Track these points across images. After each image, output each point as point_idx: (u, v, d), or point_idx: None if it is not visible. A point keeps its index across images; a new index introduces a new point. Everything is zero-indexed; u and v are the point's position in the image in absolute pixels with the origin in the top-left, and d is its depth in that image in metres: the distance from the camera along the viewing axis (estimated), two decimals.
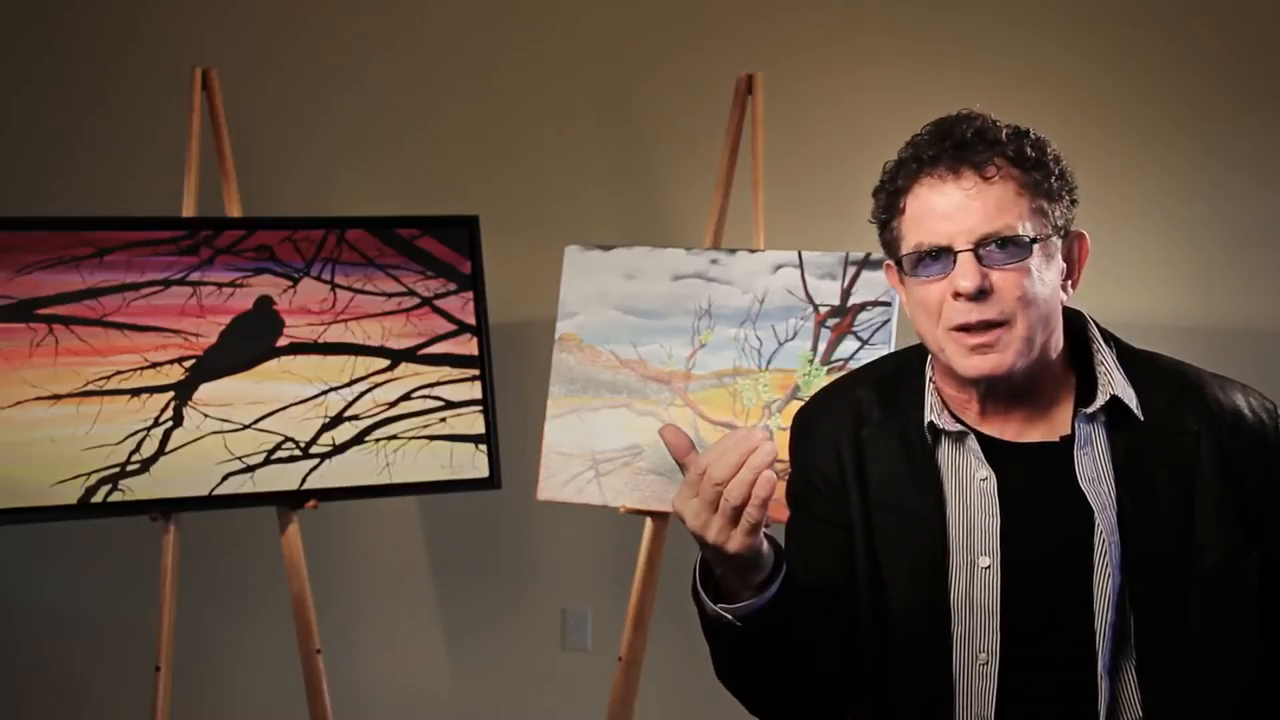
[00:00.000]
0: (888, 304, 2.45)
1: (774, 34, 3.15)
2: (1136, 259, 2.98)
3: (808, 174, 3.10)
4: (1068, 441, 1.42)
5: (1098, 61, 3.01)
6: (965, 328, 1.37)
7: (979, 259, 1.35)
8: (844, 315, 2.48)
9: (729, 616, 1.32)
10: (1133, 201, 2.98)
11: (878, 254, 2.45)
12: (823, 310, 2.50)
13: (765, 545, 1.29)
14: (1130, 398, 1.41)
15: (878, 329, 2.45)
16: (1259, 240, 2.98)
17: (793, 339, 2.51)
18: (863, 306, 2.47)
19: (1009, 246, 1.36)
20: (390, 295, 2.69)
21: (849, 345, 2.46)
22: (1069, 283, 1.43)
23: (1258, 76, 2.97)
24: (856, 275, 2.48)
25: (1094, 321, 1.49)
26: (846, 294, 2.49)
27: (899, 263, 1.43)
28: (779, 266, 2.55)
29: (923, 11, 3.09)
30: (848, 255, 2.50)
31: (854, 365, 2.41)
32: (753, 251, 2.60)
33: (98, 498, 2.52)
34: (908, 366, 1.52)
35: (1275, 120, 2.96)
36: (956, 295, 1.36)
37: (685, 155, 3.16)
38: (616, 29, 3.24)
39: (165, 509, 2.56)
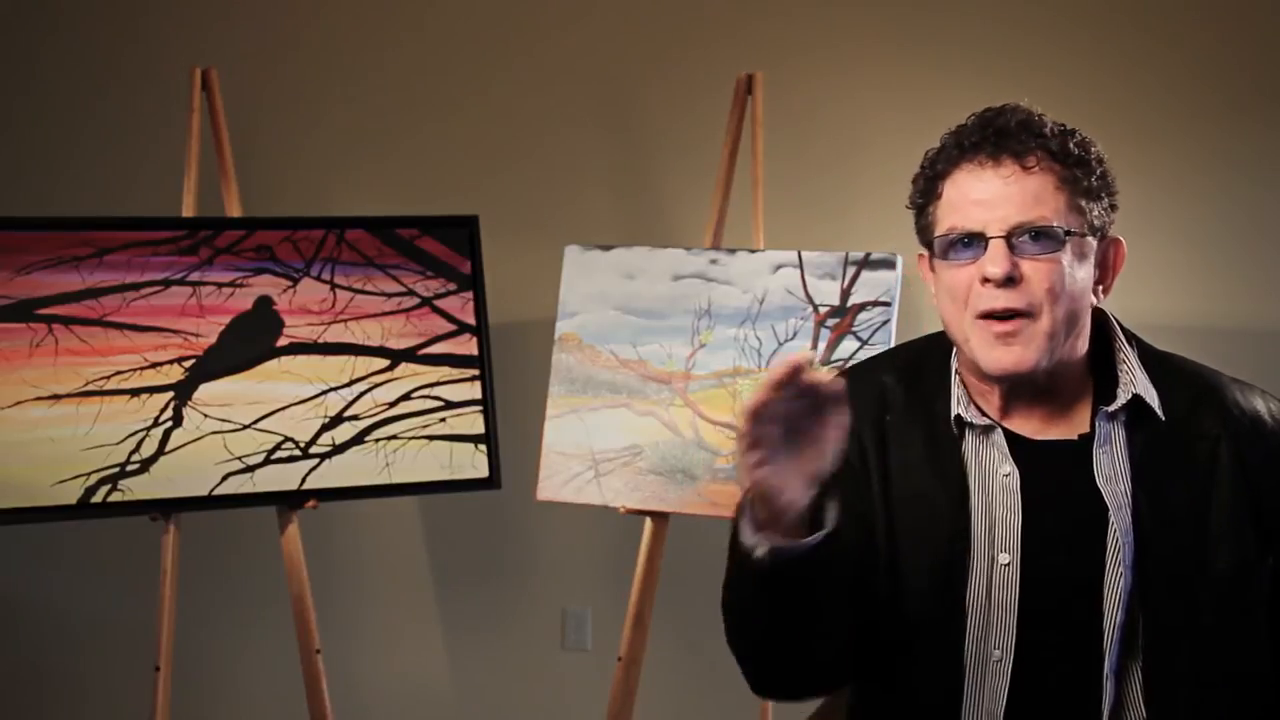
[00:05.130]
0: (887, 304, 2.45)
1: (774, 34, 3.15)
2: (1137, 259, 2.91)
3: (808, 174, 3.09)
4: (1086, 440, 1.41)
5: (1098, 62, 3.01)
6: (991, 314, 1.36)
7: (1011, 247, 1.35)
8: (844, 315, 2.48)
9: (761, 550, 1.29)
10: (1133, 202, 2.93)
11: (877, 254, 2.47)
12: (822, 310, 2.50)
13: (792, 512, 1.29)
14: (1152, 397, 1.41)
15: (877, 329, 2.45)
16: (1259, 241, 2.98)
17: (793, 339, 2.51)
18: (862, 306, 2.47)
19: (1042, 238, 1.35)
20: (390, 295, 2.69)
21: (849, 345, 2.46)
22: (1100, 287, 1.43)
23: (1258, 77, 2.96)
24: (856, 275, 2.48)
25: (1117, 321, 1.49)
26: (846, 294, 2.49)
27: (931, 246, 1.43)
28: (779, 266, 2.55)
29: (922, 12, 3.09)
30: (847, 255, 2.50)
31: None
32: (753, 251, 2.60)
33: (98, 498, 2.51)
34: (932, 355, 1.50)
35: (1276, 121, 2.96)
36: (985, 281, 1.36)
37: (685, 155, 3.16)
38: (616, 29, 3.24)
39: (165, 509, 2.56)
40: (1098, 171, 1.39)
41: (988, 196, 1.36)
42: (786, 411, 1.27)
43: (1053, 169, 1.36)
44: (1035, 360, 1.36)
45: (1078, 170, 1.38)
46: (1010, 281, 1.35)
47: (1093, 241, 1.40)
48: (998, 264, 1.35)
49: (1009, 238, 1.35)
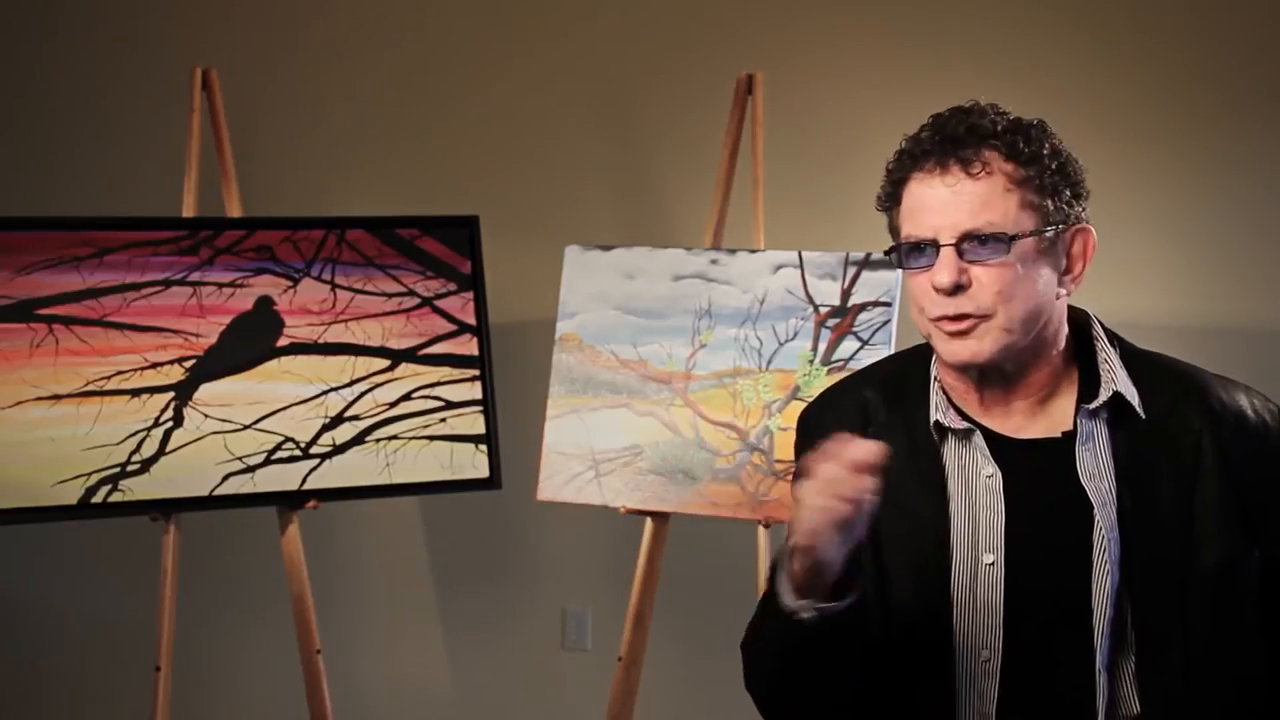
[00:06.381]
0: (888, 304, 2.45)
1: (774, 34, 3.15)
2: (1136, 259, 2.98)
3: (808, 174, 3.10)
4: (1069, 437, 1.42)
5: (1097, 62, 3.01)
6: (943, 319, 1.39)
7: (960, 254, 1.37)
8: (844, 315, 2.48)
9: (812, 612, 1.33)
10: (1132, 202, 2.98)
11: (878, 254, 2.47)
12: (823, 310, 2.50)
13: (832, 575, 1.33)
14: (1133, 395, 1.42)
15: (878, 329, 2.45)
16: (1259, 241, 2.98)
17: (793, 339, 2.51)
18: (863, 307, 2.47)
19: (990, 243, 1.36)
20: (390, 295, 2.69)
21: (849, 345, 2.46)
22: (1068, 277, 1.43)
23: (1257, 77, 2.96)
24: (857, 275, 2.49)
25: (1098, 320, 1.49)
26: (847, 294, 2.49)
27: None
28: (779, 266, 2.55)
29: (922, 12, 3.09)
30: (848, 255, 2.50)
31: (854, 365, 2.42)
32: (753, 251, 2.60)
33: (98, 498, 2.52)
34: (913, 366, 1.52)
35: (1275, 121, 2.96)
36: (936, 289, 1.38)
37: (685, 155, 3.16)
38: (617, 29, 3.24)
39: (165, 509, 2.56)
40: (1052, 166, 1.39)
41: (937, 205, 1.38)
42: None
43: (1004, 170, 1.37)
44: (990, 352, 1.38)
45: (1031, 169, 1.37)
46: (958, 289, 1.36)
47: (1054, 235, 1.39)
48: (945, 273, 1.36)
49: (958, 245, 1.37)
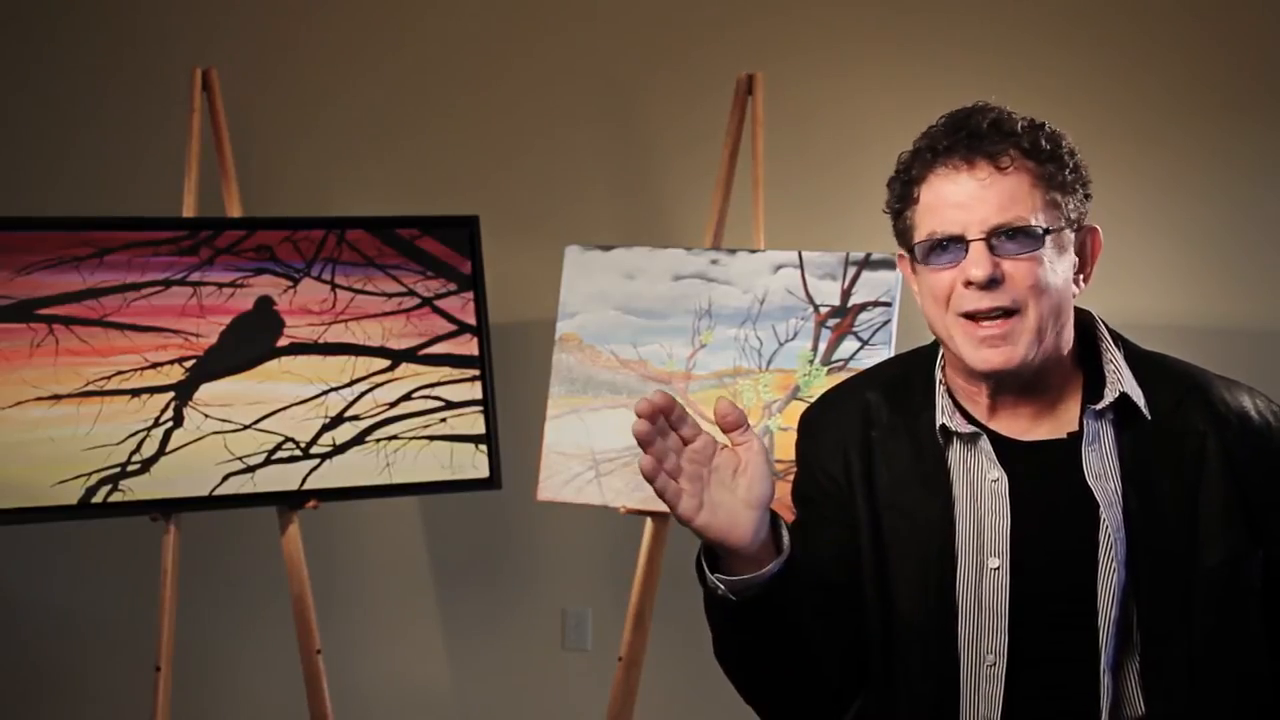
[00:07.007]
0: (888, 304, 2.45)
1: (774, 34, 3.15)
2: (1136, 259, 2.98)
3: (808, 174, 3.10)
4: (1075, 438, 1.42)
5: (1098, 62, 3.01)
6: (975, 315, 1.38)
7: (991, 248, 1.36)
8: (844, 315, 2.48)
9: (722, 588, 1.33)
10: (1132, 202, 2.98)
11: (878, 254, 2.47)
12: (823, 310, 2.50)
13: (744, 535, 1.29)
14: (1138, 396, 1.42)
15: (878, 329, 2.45)
16: (1258, 241, 2.98)
17: (793, 339, 2.51)
18: (863, 307, 2.47)
19: (1020, 237, 1.37)
20: (390, 295, 2.69)
21: (849, 345, 2.46)
22: (1080, 276, 1.44)
23: (1258, 77, 2.97)
24: (857, 275, 2.49)
25: (1103, 322, 1.50)
26: (847, 294, 2.49)
27: (911, 251, 1.44)
28: (779, 266, 2.55)
29: (923, 12, 3.09)
30: (848, 255, 2.50)
31: (855, 365, 2.42)
32: (753, 251, 2.60)
33: (98, 498, 2.51)
34: (916, 370, 1.52)
35: (1275, 121, 2.96)
36: (968, 284, 1.37)
37: (685, 155, 3.16)
38: (617, 29, 3.24)
39: (165, 509, 2.56)
40: (1070, 165, 1.40)
41: (964, 199, 1.37)
42: (692, 453, 1.28)
43: (1027, 167, 1.38)
44: (1024, 355, 1.38)
45: (1051, 166, 1.39)
46: (993, 283, 1.36)
47: (1070, 234, 1.41)
48: (980, 266, 1.36)
49: (988, 239, 1.37)
